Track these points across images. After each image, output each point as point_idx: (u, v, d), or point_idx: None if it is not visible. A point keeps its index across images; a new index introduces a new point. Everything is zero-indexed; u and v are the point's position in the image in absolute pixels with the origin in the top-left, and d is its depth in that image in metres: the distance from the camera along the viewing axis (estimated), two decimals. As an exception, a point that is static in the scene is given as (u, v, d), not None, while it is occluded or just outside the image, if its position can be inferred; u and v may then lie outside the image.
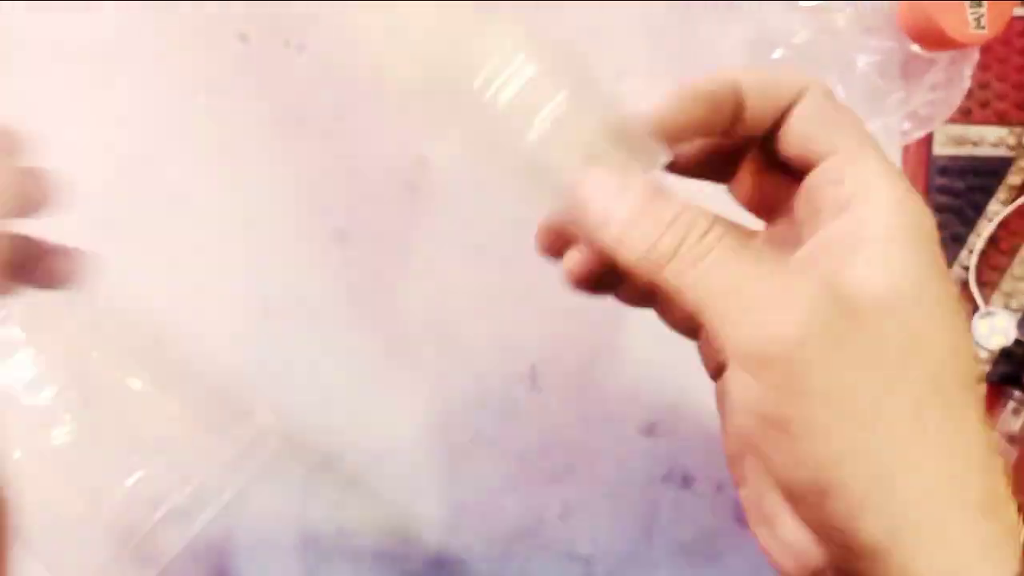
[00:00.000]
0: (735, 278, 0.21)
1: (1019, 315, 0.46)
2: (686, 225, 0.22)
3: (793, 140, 0.26)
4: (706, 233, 0.22)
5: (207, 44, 0.43)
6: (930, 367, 0.21)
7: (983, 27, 0.37)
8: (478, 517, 0.43)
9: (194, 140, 0.43)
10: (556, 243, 0.28)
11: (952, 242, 0.46)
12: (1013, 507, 0.21)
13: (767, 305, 0.21)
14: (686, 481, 0.44)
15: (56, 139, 0.42)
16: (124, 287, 0.34)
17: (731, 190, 0.29)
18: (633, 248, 0.22)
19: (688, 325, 0.29)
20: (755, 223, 0.30)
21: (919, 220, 0.23)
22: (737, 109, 0.26)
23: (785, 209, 0.28)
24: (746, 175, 0.29)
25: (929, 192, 0.46)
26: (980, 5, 0.37)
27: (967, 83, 0.41)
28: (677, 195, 0.23)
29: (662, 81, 0.41)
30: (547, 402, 0.44)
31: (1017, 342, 0.45)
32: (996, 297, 0.46)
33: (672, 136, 0.26)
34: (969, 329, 0.23)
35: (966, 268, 0.46)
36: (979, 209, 0.46)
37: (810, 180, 0.25)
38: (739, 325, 0.21)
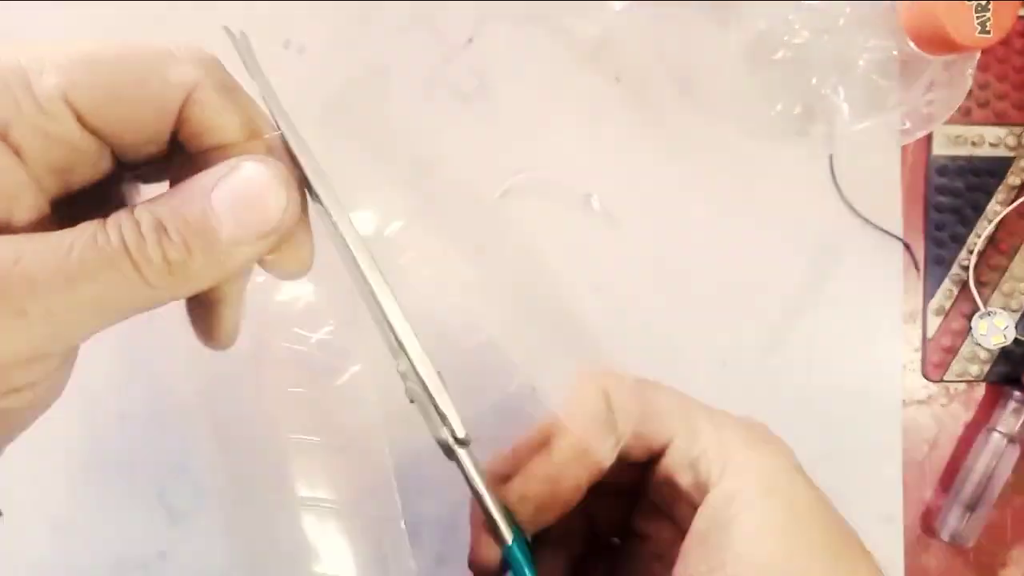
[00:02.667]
0: None
1: (1018, 315, 0.46)
2: None
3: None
4: None
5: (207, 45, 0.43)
6: None
7: (988, 31, 0.37)
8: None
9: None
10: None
11: (951, 242, 0.46)
12: None
13: None
14: (686, 481, 0.44)
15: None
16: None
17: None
18: None
19: None
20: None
21: (783, 485, 0.25)
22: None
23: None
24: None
25: (928, 192, 0.46)
26: (986, 9, 0.37)
27: (968, 83, 0.41)
28: None
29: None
30: (547, 402, 0.44)
31: (1016, 341, 0.45)
32: (995, 297, 0.46)
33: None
34: (870, 556, 0.26)
35: (965, 268, 0.46)
36: (978, 209, 0.46)
37: (660, 470, 0.28)
38: None
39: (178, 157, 0.22)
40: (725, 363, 0.45)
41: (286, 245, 0.22)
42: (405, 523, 0.43)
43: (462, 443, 0.26)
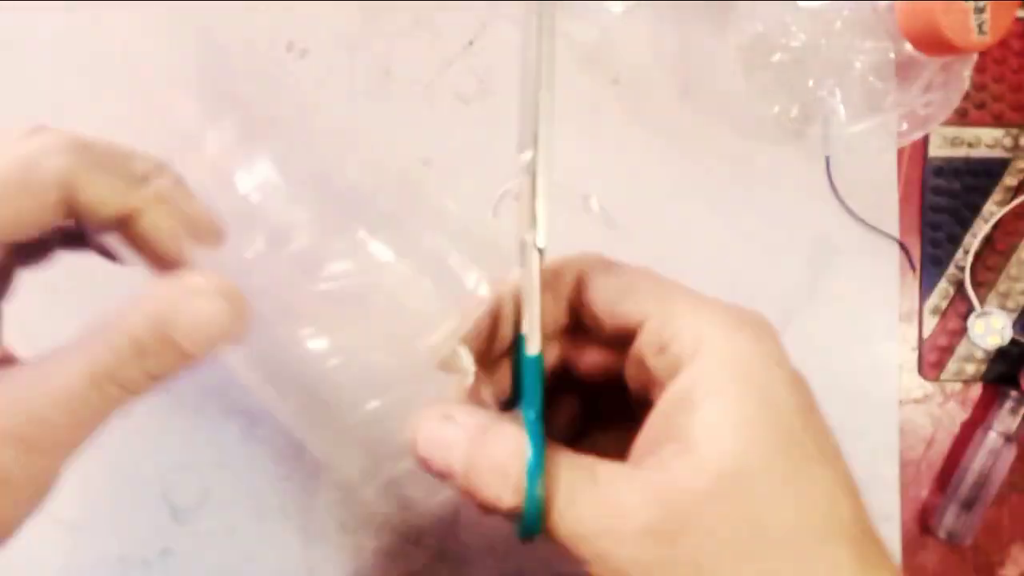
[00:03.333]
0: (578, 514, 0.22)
1: (1015, 315, 0.46)
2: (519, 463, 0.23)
3: (601, 316, 0.27)
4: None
5: (209, 48, 0.43)
6: (777, 533, 0.21)
7: (985, 32, 0.37)
8: (479, 516, 0.43)
9: (194, 141, 0.43)
10: None
11: (948, 243, 0.46)
12: None
13: (605, 533, 0.22)
14: (684, 480, 0.44)
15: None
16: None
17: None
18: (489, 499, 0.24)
19: None
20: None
21: (757, 371, 0.23)
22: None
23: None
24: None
25: (925, 193, 0.47)
26: (983, 10, 0.37)
27: (966, 85, 0.41)
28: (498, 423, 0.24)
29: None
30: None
31: (1013, 341, 0.46)
32: (992, 297, 0.46)
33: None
34: (845, 469, 0.24)
35: (962, 268, 0.46)
36: (975, 210, 0.47)
37: (633, 353, 0.26)
38: (595, 557, 0.22)
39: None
40: (723, 363, 0.45)
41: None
42: (405, 523, 0.43)
43: (540, 251, 0.25)
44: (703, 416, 0.22)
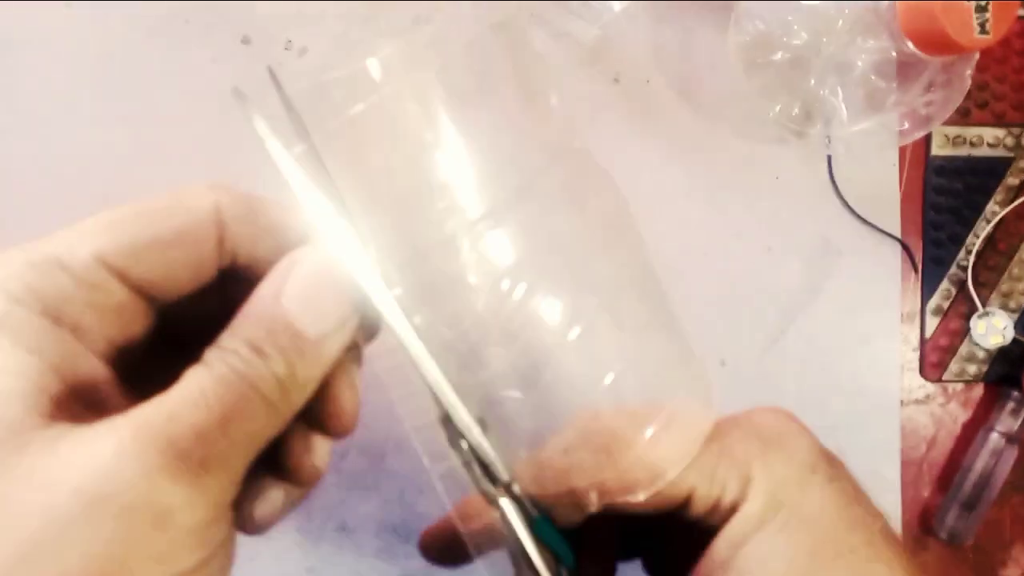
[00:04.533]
0: None
1: (1017, 315, 0.46)
2: None
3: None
4: None
5: (209, 46, 0.43)
6: None
7: (987, 32, 0.37)
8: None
9: (196, 140, 0.43)
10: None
11: (950, 242, 0.46)
12: None
13: None
14: (685, 480, 0.44)
15: (58, 141, 0.42)
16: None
17: None
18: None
19: None
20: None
21: (793, 495, 0.25)
22: None
23: None
24: None
25: (926, 192, 0.46)
26: (985, 10, 0.37)
27: (967, 84, 0.41)
28: None
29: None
30: (546, 401, 0.44)
31: (1015, 341, 0.46)
32: (994, 297, 0.46)
33: None
34: (898, 548, 0.26)
35: (964, 268, 0.46)
36: (977, 209, 0.46)
37: (687, 520, 0.27)
38: None
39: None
40: (724, 363, 0.45)
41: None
42: (405, 523, 0.43)
43: (507, 487, 0.25)
44: (751, 555, 0.25)
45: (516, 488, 0.25)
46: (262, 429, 0.20)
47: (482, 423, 0.24)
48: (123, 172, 0.42)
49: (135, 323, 0.21)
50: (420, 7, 0.45)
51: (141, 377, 0.20)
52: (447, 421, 0.24)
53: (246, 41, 0.43)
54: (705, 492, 0.26)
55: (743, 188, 0.45)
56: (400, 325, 0.22)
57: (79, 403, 0.19)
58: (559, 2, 0.45)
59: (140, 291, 0.21)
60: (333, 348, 0.21)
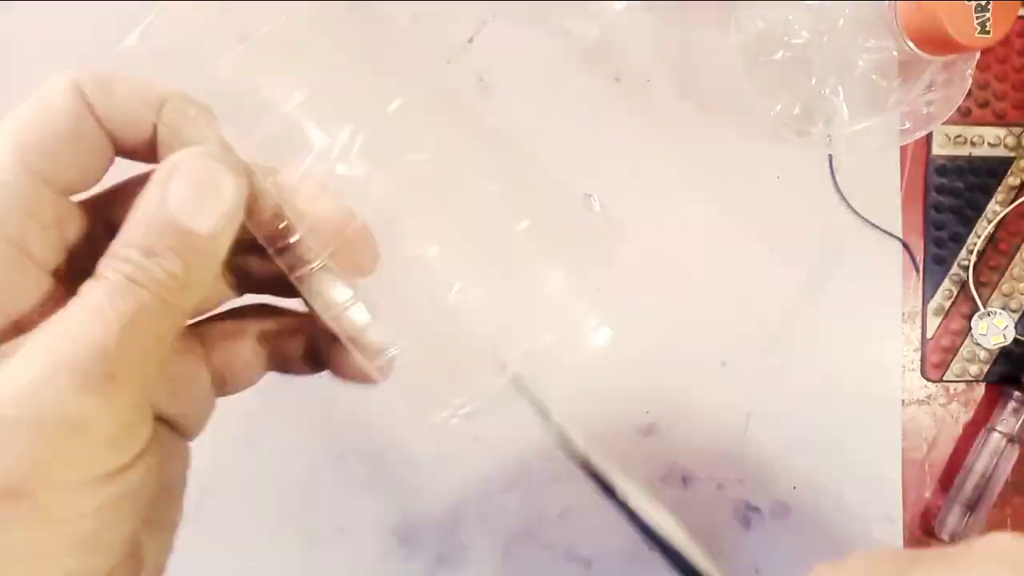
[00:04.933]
0: None
1: (1018, 315, 0.46)
2: None
3: None
4: None
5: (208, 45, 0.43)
6: None
7: (988, 31, 0.37)
8: (478, 517, 0.43)
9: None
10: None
11: (951, 242, 0.46)
12: None
13: None
14: (685, 481, 0.44)
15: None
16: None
17: None
18: None
19: None
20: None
21: None
22: None
23: None
24: None
25: (927, 192, 0.46)
26: (986, 9, 0.37)
27: (968, 83, 0.41)
28: None
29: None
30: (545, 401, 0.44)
31: (1016, 341, 0.45)
32: (995, 297, 0.46)
33: None
34: None
35: (965, 268, 0.46)
36: (978, 209, 0.46)
37: None
38: None
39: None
40: (725, 363, 0.45)
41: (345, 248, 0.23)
42: (404, 524, 0.43)
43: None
44: None
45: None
46: (166, 330, 0.21)
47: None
48: (122, 172, 0.42)
49: (72, 228, 0.22)
50: (419, 7, 0.45)
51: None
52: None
53: (243, 39, 0.43)
54: None
55: (744, 188, 0.45)
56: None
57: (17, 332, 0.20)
58: (559, 2, 0.45)
59: (62, 189, 0.22)
60: (224, 240, 0.21)
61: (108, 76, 0.23)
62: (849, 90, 0.41)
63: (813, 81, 0.41)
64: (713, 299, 0.45)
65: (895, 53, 0.40)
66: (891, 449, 0.45)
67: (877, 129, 0.42)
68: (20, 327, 0.20)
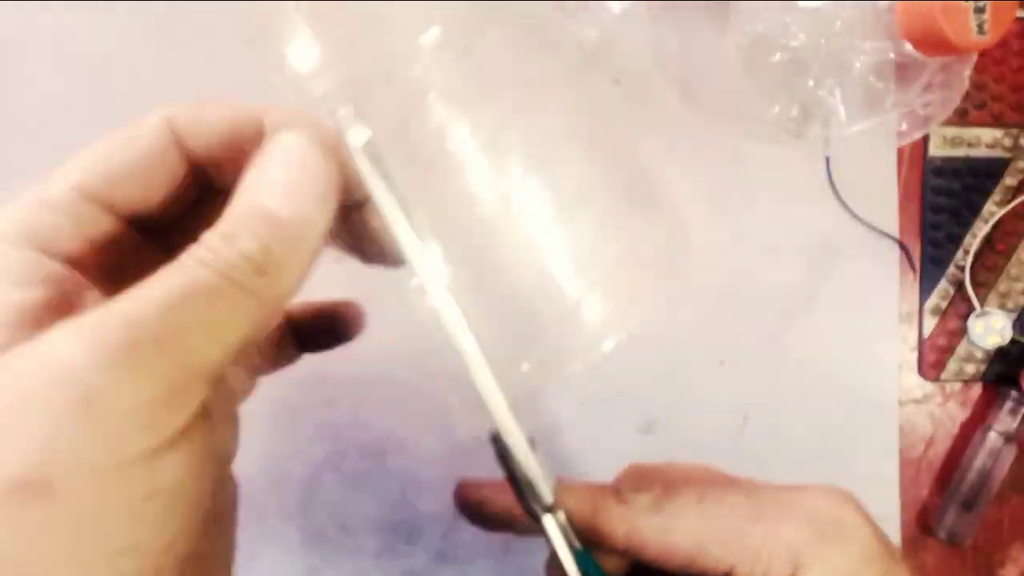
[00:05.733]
0: None
1: (1014, 315, 0.46)
2: None
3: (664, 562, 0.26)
4: None
5: (212, 48, 0.43)
6: None
7: (985, 32, 0.37)
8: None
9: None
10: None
11: (948, 243, 0.46)
12: None
13: None
14: (684, 480, 0.45)
15: (58, 142, 0.42)
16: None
17: None
18: None
19: None
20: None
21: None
22: None
23: None
24: None
25: (924, 193, 0.47)
26: (983, 11, 0.37)
27: (965, 84, 0.41)
28: None
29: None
30: (546, 400, 0.44)
31: (1012, 341, 0.46)
32: (991, 297, 0.46)
33: None
34: None
35: (962, 268, 0.46)
36: (975, 210, 0.47)
37: None
38: None
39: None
40: (723, 362, 0.45)
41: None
42: (405, 522, 0.43)
43: (549, 510, 0.25)
44: None
45: (561, 516, 0.25)
46: (232, 314, 0.19)
47: (532, 442, 0.24)
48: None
49: (127, 248, 0.22)
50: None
51: None
52: (497, 438, 0.24)
53: (250, 44, 0.43)
54: (746, 572, 0.25)
55: (742, 188, 0.45)
56: (462, 338, 0.22)
57: None
58: (558, 3, 0.45)
59: (122, 214, 0.22)
60: (313, 227, 0.20)
61: (201, 104, 0.22)
62: (846, 92, 0.41)
63: (811, 83, 0.42)
64: (711, 299, 0.45)
65: (892, 55, 0.40)
66: (888, 449, 0.46)
67: (874, 130, 0.42)
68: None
